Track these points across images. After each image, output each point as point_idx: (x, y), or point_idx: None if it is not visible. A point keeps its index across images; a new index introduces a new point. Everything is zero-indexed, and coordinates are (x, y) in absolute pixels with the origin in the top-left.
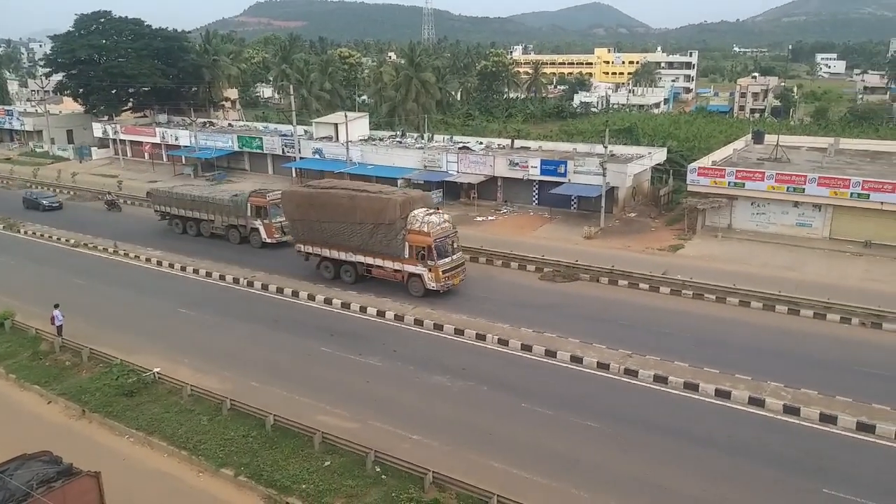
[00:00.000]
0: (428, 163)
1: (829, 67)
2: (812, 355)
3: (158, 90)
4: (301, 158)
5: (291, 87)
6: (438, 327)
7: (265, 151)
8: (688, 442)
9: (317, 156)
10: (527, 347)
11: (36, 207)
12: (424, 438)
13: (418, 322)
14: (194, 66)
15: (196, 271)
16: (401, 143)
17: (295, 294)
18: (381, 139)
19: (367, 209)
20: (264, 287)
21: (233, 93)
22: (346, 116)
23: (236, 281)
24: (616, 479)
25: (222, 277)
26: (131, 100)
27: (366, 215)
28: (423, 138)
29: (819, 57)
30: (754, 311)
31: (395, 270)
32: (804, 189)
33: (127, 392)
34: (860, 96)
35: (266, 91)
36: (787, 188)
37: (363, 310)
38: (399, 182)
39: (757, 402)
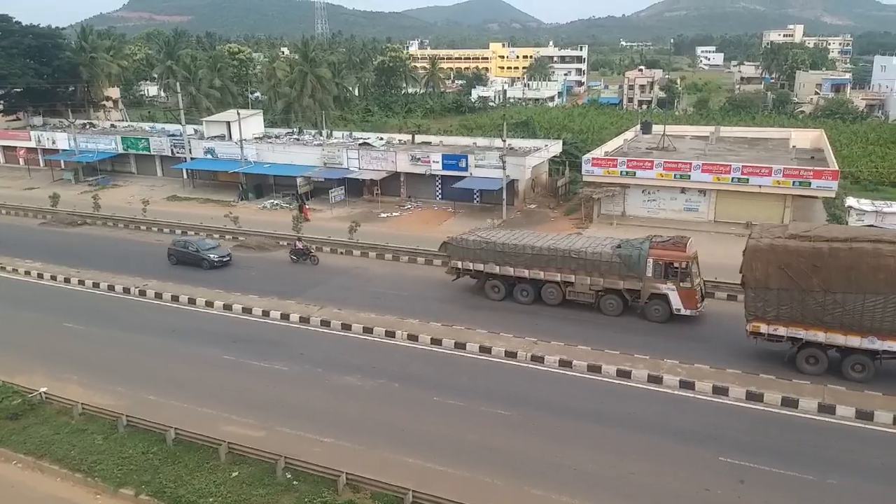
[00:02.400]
0: (328, 160)
1: (709, 60)
2: (704, 332)
3: (32, 91)
4: (192, 159)
5: (178, 84)
6: (346, 327)
7: (153, 153)
8: (594, 422)
9: (209, 155)
10: (436, 341)
11: (196, 263)
12: (336, 440)
13: (325, 323)
14: (70, 65)
15: (82, 282)
16: (298, 140)
17: (192, 301)
18: (277, 137)
19: None
20: (158, 295)
21: (114, 92)
22: (238, 114)
23: (126, 290)
24: (528, 464)
25: (111, 287)
26: (2, 102)
27: None
28: (321, 135)
29: (699, 50)
30: None
31: None
32: (690, 176)
33: (11, 415)
34: (737, 86)
35: (151, 89)
36: (675, 175)
37: (266, 314)
38: (299, 180)
39: (655, 379)
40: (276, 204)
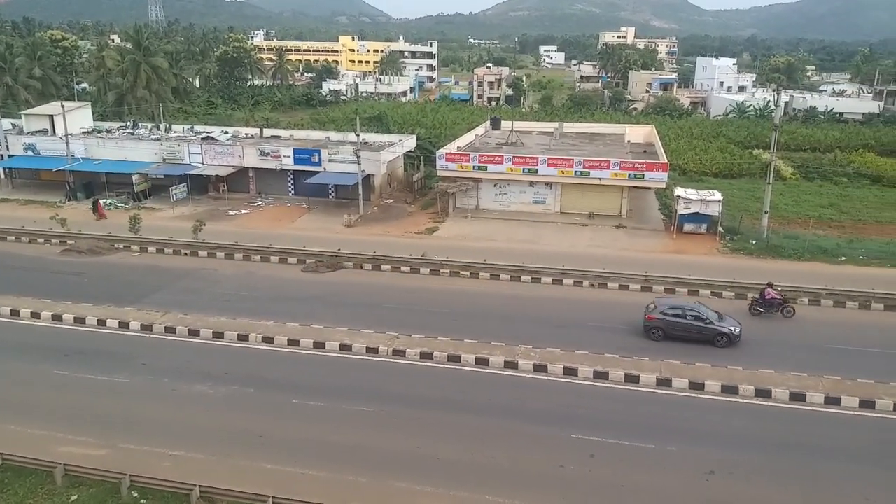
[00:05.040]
0: (167, 155)
1: (551, 59)
2: (553, 317)
3: None
4: (10, 156)
5: None
6: (194, 333)
7: None
8: (455, 411)
9: (30, 152)
10: (294, 342)
11: (705, 339)
12: (188, 453)
13: (170, 330)
14: None
15: None
16: (133, 134)
17: (14, 313)
18: (108, 131)
19: None
20: None
21: None
22: (63, 106)
23: None
24: (393, 459)
25: None
26: None
27: None
28: (159, 129)
29: (542, 49)
30: (503, 282)
31: None
32: (537, 170)
33: None
34: (578, 84)
35: None
36: (523, 169)
37: (102, 323)
38: (134, 178)
39: (511, 364)
40: (110, 204)
